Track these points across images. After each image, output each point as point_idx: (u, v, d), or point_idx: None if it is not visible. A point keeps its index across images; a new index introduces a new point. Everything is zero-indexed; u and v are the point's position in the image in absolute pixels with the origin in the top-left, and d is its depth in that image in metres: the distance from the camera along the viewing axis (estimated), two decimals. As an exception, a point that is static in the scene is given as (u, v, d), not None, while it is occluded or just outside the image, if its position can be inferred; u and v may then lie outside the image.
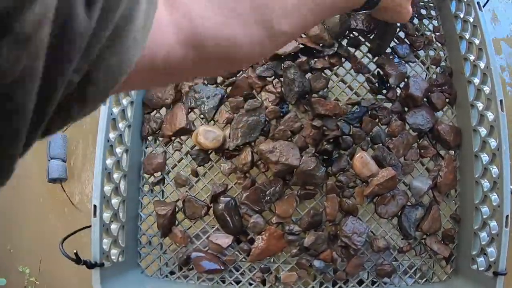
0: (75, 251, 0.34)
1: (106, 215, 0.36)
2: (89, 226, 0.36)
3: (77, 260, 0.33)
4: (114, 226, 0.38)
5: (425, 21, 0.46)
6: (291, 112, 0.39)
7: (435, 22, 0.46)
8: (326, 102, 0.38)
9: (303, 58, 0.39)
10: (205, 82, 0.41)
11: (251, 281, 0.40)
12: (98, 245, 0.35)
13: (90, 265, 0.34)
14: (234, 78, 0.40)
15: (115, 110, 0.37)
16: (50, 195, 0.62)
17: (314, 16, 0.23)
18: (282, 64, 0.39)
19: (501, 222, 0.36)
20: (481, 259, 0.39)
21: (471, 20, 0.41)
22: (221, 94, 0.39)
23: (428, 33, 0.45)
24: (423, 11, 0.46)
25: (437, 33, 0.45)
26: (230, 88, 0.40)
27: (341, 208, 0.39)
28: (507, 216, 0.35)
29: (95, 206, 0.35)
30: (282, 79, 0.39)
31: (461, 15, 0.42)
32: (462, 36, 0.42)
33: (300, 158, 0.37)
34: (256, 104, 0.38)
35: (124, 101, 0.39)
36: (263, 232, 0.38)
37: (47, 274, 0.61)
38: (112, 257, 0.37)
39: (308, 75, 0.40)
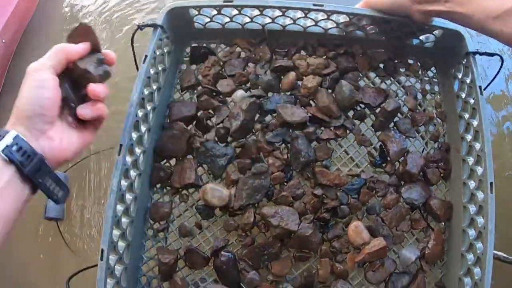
0: None
1: (112, 258, 0.39)
2: (94, 266, 0.38)
3: None
4: (118, 268, 0.40)
5: (428, 97, 0.49)
6: (294, 179, 0.42)
7: (437, 98, 0.49)
8: (328, 173, 0.41)
9: (311, 129, 0.42)
10: (216, 139, 0.43)
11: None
12: (103, 287, 0.37)
13: None
14: (244, 139, 0.43)
15: (128, 159, 0.40)
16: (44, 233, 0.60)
17: None
18: (291, 132, 0.42)
19: None
20: (460, 330, 0.41)
21: (472, 102, 0.43)
22: (230, 155, 0.42)
23: (430, 108, 0.48)
24: (427, 86, 0.49)
25: (439, 109, 0.48)
26: (239, 149, 0.43)
27: (333, 272, 0.41)
28: None
29: (102, 250, 0.37)
30: (289, 145, 0.42)
31: (463, 96, 0.45)
32: (462, 116, 0.45)
33: (299, 223, 0.39)
34: (263, 169, 0.40)
35: (137, 150, 0.42)
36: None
37: None
38: None
39: (314, 144, 0.43)
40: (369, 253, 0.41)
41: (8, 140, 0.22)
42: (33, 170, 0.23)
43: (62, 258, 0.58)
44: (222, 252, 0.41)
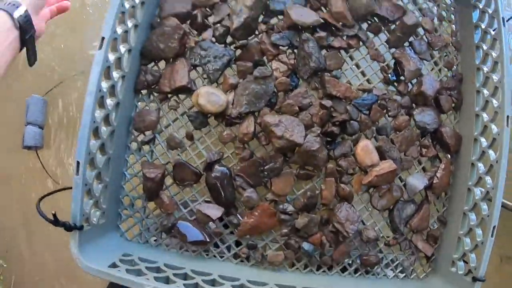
0: (53, 212, 0.30)
1: (90, 174, 0.33)
2: (70, 188, 0.32)
3: (55, 221, 0.30)
4: (96, 186, 0.34)
5: (444, 24, 0.45)
6: (301, 86, 0.37)
7: (453, 27, 0.46)
8: (339, 83, 0.37)
9: (322, 34, 0.37)
10: (213, 39, 0.38)
11: (235, 256, 0.38)
12: (79, 207, 0.31)
13: (69, 228, 0.30)
14: (246, 41, 0.37)
15: (111, 56, 0.34)
16: (23, 163, 0.55)
17: None
18: (300, 36, 0.37)
19: (487, 231, 0.36)
20: (461, 263, 0.39)
21: (493, 32, 0.40)
22: (230, 56, 0.37)
23: (446, 35, 0.45)
24: (444, 13, 0.46)
25: (453, 38, 0.45)
26: (239, 51, 0.37)
27: (337, 193, 0.38)
28: (494, 227, 0.36)
29: (78, 162, 0.31)
30: (297, 51, 0.37)
31: (482, 26, 0.42)
32: (479, 46, 0.42)
33: (305, 136, 0.35)
34: (266, 73, 0.35)
35: (122, 48, 0.35)
36: (255, 208, 0.36)
37: (15, 255, 0.55)
38: (92, 219, 0.34)
39: (323, 52, 0.38)
40: (377, 175, 0.38)
41: (21, 11, 0.31)
42: (30, 38, 0.32)
43: (40, 185, 0.53)
44: (216, 166, 0.36)
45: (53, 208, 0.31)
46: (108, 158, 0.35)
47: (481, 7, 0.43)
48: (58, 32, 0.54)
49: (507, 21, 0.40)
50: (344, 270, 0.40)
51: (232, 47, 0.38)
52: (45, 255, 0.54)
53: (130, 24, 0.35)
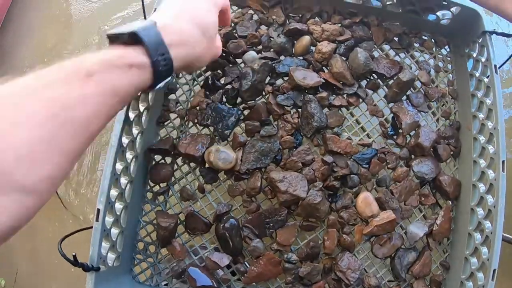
0: (74, 253, 0.33)
1: (108, 220, 0.36)
2: (88, 228, 0.35)
3: (75, 262, 0.33)
4: (114, 231, 0.38)
5: (441, 74, 0.48)
6: (304, 144, 0.40)
7: (450, 76, 0.48)
8: (339, 140, 0.40)
9: (324, 94, 0.41)
10: (224, 100, 0.42)
11: (241, 303, 0.40)
12: (97, 249, 0.34)
13: (87, 268, 0.34)
14: (254, 102, 0.41)
15: (131, 114, 0.37)
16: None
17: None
18: (303, 96, 0.40)
19: (488, 274, 0.37)
20: (464, 309, 0.40)
21: (486, 80, 0.43)
22: (238, 115, 0.40)
23: (443, 86, 0.47)
24: (441, 64, 0.48)
25: (451, 87, 0.47)
26: (247, 110, 0.41)
27: (339, 243, 0.40)
28: (494, 270, 0.37)
29: (98, 210, 0.34)
30: (300, 110, 0.40)
31: (477, 74, 0.44)
32: (474, 94, 0.45)
33: (308, 191, 0.38)
34: (272, 132, 0.39)
35: (141, 106, 0.39)
36: (261, 257, 0.39)
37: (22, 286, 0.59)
38: (108, 262, 0.37)
39: (325, 110, 0.41)
40: (377, 225, 0.39)
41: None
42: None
43: (58, 220, 0.56)
44: (225, 218, 0.39)
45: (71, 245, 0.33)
46: (126, 206, 0.39)
47: (474, 56, 0.45)
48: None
49: (499, 68, 0.43)
50: (347, 316, 0.41)
51: (241, 107, 0.41)
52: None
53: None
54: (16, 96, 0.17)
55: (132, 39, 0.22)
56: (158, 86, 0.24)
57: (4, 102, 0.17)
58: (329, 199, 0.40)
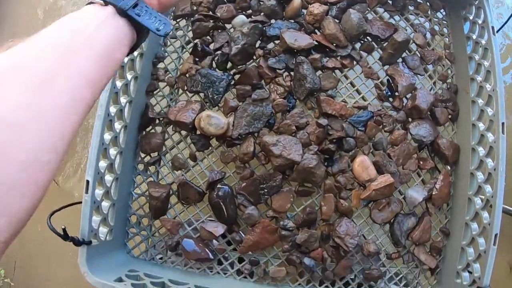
0: (63, 226, 0.32)
1: (98, 192, 0.35)
2: (79, 203, 0.34)
3: (65, 236, 0.32)
4: (105, 204, 0.37)
5: (437, 38, 0.47)
6: (298, 107, 0.39)
7: (446, 40, 0.47)
8: (334, 102, 0.39)
9: (316, 55, 0.39)
10: (214, 66, 0.40)
11: (238, 273, 0.39)
12: (88, 223, 0.33)
13: (78, 242, 0.32)
14: (244, 66, 0.39)
15: (118, 83, 0.36)
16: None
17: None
18: (295, 58, 0.39)
19: (489, 239, 0.37)
20: (465, 274, 0.39)
21: (483, 42, 0.41)
22: (228, 79, 0.39)
23: (439, 49, 0.46)
24: (436, 27, 0.47)
25: (447, 51, 0.46)
26: (238, 75, 0.40)
27: (337, 209, 0.39)
28: (496, 235, 0.36)
29: (87, 181, 0.33)
30: (292, 73, 0.39)
31: (474, 37, 0.43)
32: (472, 57, 0.43)
33: (302, 154, 0.37)
34: (264, 95, 0.37)
35: (128, 75, 0.38)
36: (256, 225, 0.38)
37: (22, 275, 0.58)
38: (100, 236, 0.36)
39: (318, 73, 0.40)
40: (375, 189, 0.38)
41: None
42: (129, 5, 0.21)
43: (49, 196, 0.56)
44: (218, 186, 0.38)
45: (60, 222, 0.32)
46: (116, 177, 0.38)
47: (471, 18, 0.44)
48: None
49: (497, 31, 0.41)
50: (347, 285, 0.40)
51: (231, 72, 0.40)
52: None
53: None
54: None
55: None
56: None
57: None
58: (325, 163, 0.38)
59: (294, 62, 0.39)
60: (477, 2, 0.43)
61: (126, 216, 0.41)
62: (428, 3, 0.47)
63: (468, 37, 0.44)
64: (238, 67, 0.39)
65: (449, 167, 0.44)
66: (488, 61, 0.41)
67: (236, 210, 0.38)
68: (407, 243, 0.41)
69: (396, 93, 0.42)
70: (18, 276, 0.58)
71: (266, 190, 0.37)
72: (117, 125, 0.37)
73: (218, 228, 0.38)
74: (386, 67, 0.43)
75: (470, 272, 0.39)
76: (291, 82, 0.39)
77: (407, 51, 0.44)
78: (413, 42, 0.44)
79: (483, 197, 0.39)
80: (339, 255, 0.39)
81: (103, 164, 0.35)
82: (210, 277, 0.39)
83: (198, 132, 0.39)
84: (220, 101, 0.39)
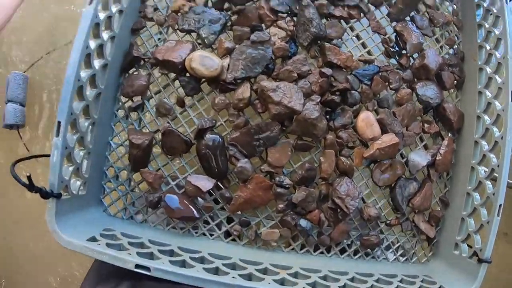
0: (27, 173, 0.27)
1: (71, 137, 0.30)
2: (47, 155, 0.29)
3: (30, 186, 0.27)
4: (78, 152, 0.32)
5: (446, 3, 0.45)
6: (300, 54, 0.35)
7: (454, 7, 0.45)
8: (340, 51, 0.35)
9: (323, 1, 0.36)
10: (209, 4, 0.36)
11: (226, 235, 0.36)
12: (57, 171, 0.28)
13: (45, 194, 0.28)
14: (243, 6, 0.35)
15: (101, 15, 0.31)
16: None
17: None
18: (300, 1, 0.35)
19: (493, 210, 0.35)
20: (464, 246, 0.38)
21: (495, 10, 0.40)
22: (225, 20, 0.35)
23: (447, 13, 0.44)
24: (445, -9, 0.45)
25: (455, 17, 0.44)
26: (236, 16, 0.36)
27: (337, 167, 0.36)
28: (500, 205, 0.35)
29: (59, 123, 0.28)
30: (296, 18, 0.36)
31: (484, 4, 0.41)
32: (482, 24, 0.42)
33: (304, 104, 0.33)
34: (264, 37, 0.34)
35: (113, 8, 0.33)
36: (249, 180, 0.34)
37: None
38: (72, 189, 0.31)
39: (323, 21, 0.37)
40: (379, 148, 0.36)
41: None
42: None
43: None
44: (208, 134, 0.34)
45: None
46: (93, 122, 0.33)
47: (482, -15, 0.42)
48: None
49: (510, 0, 0.40)
50: (343, 251, 0.38)
51: (229, 12, 0.36)
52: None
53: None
54: None
55: None
56: None
57: None
58: (327, 116, 0.35)
59: (299, 5, 0.35)
60: (489, -31, 0.41)
61: (102, 168, 0.36)
62: (437, -34, 0.45)
63: (478, 5, 0.43)
64: (237, 6, 0.35)
65: (452, 135, 0.42)
66: (499, 28, 0.39)
67: (227, 163, 0.34)
68: (407, 210, 0.39)
69: (404, 51, 0.39)
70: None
71: (261, 142, 0.34)
72: (96, 63, 0.32)
73: (206, 183, 0.34)
74: (394, 23, 0.40)
75: (470, 246, 0.37)
76: (294, 27, 0.35)
77: (415, 10, 0.42)
78: (422, 2, 0.42)
79: (487, 167, 0.37)
80: (337, 218, 0.36)
81: (78, 105, 0.30)
82: (195, 239, 0.35)
83: (187, 74, 0.34)
84: (214, 42, 0.35)
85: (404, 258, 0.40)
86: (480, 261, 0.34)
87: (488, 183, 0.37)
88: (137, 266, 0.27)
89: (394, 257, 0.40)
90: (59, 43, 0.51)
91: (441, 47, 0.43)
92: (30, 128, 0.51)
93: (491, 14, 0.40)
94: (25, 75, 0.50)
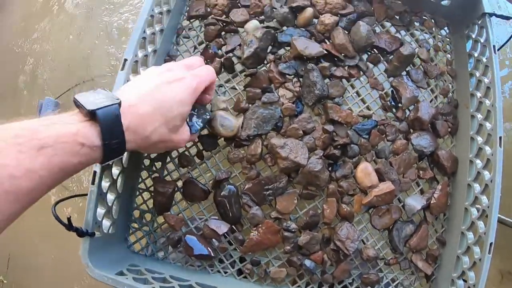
0: (68, 215, 0.32)
1: (105, 184, 0.35)
2: (84, 195, 0.34)
3: (69, 226, 0.32)
4: (110, 197, 0.37)
5: (440, 54, 0.49)
6: (305, 112, 0.40)
7: (448, 56, 0.49)
8: (340, 109, 0.40)
9: (325, 64, 0.41)
10: (222, 70, 0.41)
11: (238, 272, 0.40)
12: (93, 214, 0.33)
13: (81, 233, 0.33)
14: (255, 69, 0.40)
15: (131, 77, 0.37)
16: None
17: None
18: (305, 65, 0.40)
19: (485, 248, 0.38)
20: (460, 282, 0.40)
21: (484, 60, 0.43)
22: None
23: (442, 65, 0.48)
24: (440, 44, 0.49)
25: (449, 67, 0.48)
26: (248, 78, 0.41)
27: (339, 213, 0.40)
28: (491, 243, 0.38)
29: (94, 172, 0.34)
30: (302, 79, 0.40)
31: (475, 54, 0.45)
32: (473, 74, 0.45)
33: (308, 158, 0.38)
34: (274, 98, 0.38)
35: (141, 70, 0.39)
36: (259, 225, 0.38)
37: (16, 273, 0.56)
38: (103, 228, 0.36)
39: (326, 81, 0.41)
40: (377, 195, 0.40)
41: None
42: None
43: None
44: (224, 184, 0.38)
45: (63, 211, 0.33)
46: (122, 170, 0.38)
47: (473, 36, 0.46)
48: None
49: (498, 50, 0.44)
50: (344, 288, 0.41)
51: (242, 75, 0.41)
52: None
53: (149, 49, 0.39)
54: None
55: (91, 115, 0.23)
56: (107, 163, 0.25)
57: None
58: (329, 168, 0.39)
59: (304, 69, 0.40)
60: (480, 21, 0.45)
61: (129, 210, 0.41)
62: (433, 20, 0.49)
63: (470, 55, 0.47)
64: (249, 70, 0.40)
65: (447, 179, 0.45)
66: (488, 78, 0.43)
67: (240, 210, 0.39)
68: (404, 250, 0.42)
69: (400, 105, 0.43)
70: (13, 272, 0.57)
71: (271, 191, 0.38)
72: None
73: (222, 227, 0.38)
74: (390, 79, 0.44)
75: (464, 281, 0.40)
76: (300, 88, 0.40)
77: (411, 64, 0.46)
78: (417, 56, 0.46)
79: (479, 207, 0.41)
80: (338, 258, 0.40)
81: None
82: (210, 275, 0.40)
83: (206, 132, 0.39)
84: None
85: (402, 295, 0.43)
86: (474, 297, 0.37)
87: (480, 223, 0.40)
88: (162, 298, 0.31)
89: (393, 294, 0.43)
90: (86, 78, 0.57)
91: (436, 97, 0.47)
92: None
93: (481, 63, 0.44)
94: (57, 101, 0.56)
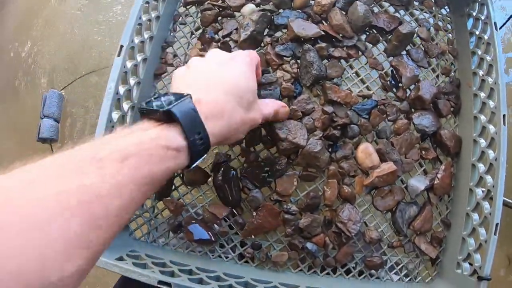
0: None
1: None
2: None
3: None
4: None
5: (441, 33, 0.48)
6: (304, 93, 0.39)
7: (449, 35, 0.48)
8: (339, 89, 0.39)
9: (323, 45, 0.40)
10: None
11: (240, 257, 0.40)
12: None
13: None
14: (253, 52, 0.40)
15: (129, 64, 0.37)
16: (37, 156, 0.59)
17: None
18: (302, 47, 0.40)
19: (490, 229, 0.37)
20: (466, 264, 0.40)
21: (486, 38, 0.43)
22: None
23: (443, 44, 0.47)
24: (440, 23, 0.48)
25: (450, 46, 0.47)
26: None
27: (340, 195, 0.39)
28: (497, 224, 0.37)
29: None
30: (299, 61, 0.40)
31: (477, 32, 0.44)
32: (475, 52, 0.44)
33: (307, 139, 0.37)
34: (272, 79, 0.38)
35: (138, 57, 0.39)
36: (259, 208, 0.38)
37: None
38: None
39: (324, 61, 0.41)
40: (378, 176, 0.39)
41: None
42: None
43: None
44: (223, 168, 0.38)
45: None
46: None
47: (474, 14, 0.45)
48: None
49: (500, 28, 0.43)
50: (348, 272, 0.41)
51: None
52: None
53: (146, 35, 0.39)
54: (47, 185, 0.16)
55: (166, 116, 0.21)
56: (193, 166, 0.23)
57: (35, 190, 0.15)
58: (329, 149, 0.39)
59: (301, 50, 0.39)
60: (480, -1, 0.44)
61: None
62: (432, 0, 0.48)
63: (471, 33, 0.46)
64: (246, 53, 0.40)
65: (450, 159, 0.44)
66: (490, 55, 0.42)
67: (240, 193, 0.38)
68: (408, 232, 0.42)
69: (400, 84, 0.43)
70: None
71: (270, 173, 0.38)
72: (125, 105, 0.38)
73: (222, 210, 0.38)
74: (390, 58, 0.43)
75: (470, 264, 0.39)
76: (298, 70, 0.40)
77: (411, 44, 0.45)
78: (417, 36, 0.45)
79: (484, 188, 0.40)
80: (341, 241, 0.39)
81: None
82: (211, 260, 0.39)
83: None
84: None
85: (408, 279, 0.42)
86: (480, 278, 0.36)
87: (485, 204, 0.39)
88: (160, 282, 0.31)
89: (398, 277, 0.42)
90: (89, 70, 0.57)
91: (437, 76, 0.46)
92: (61, 144, 0.57)
93: (483, 41, 0.43)
94: (61, 93, 0.56)
